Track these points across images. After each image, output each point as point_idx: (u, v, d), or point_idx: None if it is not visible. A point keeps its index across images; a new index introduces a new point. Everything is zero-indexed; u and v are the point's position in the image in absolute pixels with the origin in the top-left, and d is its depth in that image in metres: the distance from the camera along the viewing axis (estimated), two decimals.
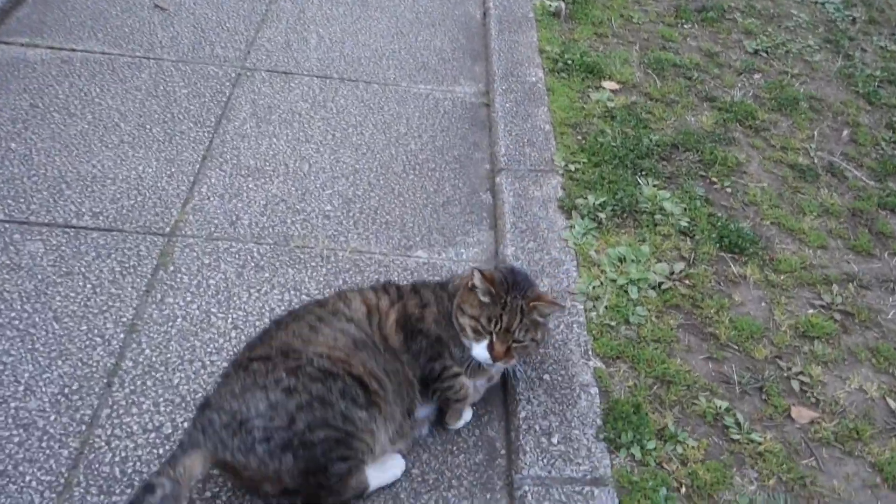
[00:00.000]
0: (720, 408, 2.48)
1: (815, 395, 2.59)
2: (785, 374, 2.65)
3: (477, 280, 2.25)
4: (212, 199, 3.07)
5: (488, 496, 2.21)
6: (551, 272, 2.86)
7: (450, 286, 2.43)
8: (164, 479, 1.89)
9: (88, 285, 2.61)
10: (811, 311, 2.91)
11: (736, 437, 2.41)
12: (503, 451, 2.34)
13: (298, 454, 1.96)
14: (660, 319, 2.77)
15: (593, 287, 2.81)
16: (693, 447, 2.35)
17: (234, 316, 2.58)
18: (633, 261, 2.95)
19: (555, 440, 2.30)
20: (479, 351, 2.23)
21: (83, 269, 2.66)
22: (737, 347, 2.72)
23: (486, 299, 2.24)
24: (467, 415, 2.39)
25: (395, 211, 3.15)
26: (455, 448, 2.32)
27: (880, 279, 3.10)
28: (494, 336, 2.21)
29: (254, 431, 1.94)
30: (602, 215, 3.13)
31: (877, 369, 2.72)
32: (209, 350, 2.45)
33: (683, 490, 2.25)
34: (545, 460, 2.24)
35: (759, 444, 2.40)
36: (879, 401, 2.61)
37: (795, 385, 2.61)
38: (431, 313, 2.33)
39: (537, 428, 2.33)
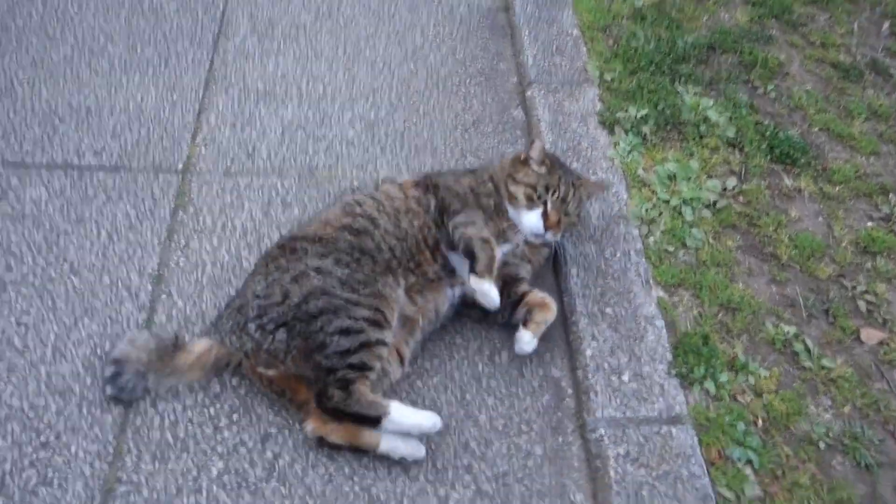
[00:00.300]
0: (788, 333, 2.37)
1: (882, 314, 2.48)
2: (850, 294, 2.53)
3: (537, 151, 2.29)
4: (223, 128, 2.79)
5: (560, 439, 2.10)
6: (600, 195, 2.66)
7: (489, 167, 2.42)
8: (170, 330, 2.07)
9: (103, 232, 2.38)
10: (870, 223, 2.77)
11: (807, 364, 2.31)
12: (570, 391, 2.22)
13: (294, 329, 1.89)
14: (717, 241, 2.61)
15: (646, 210, 2.64)
16: (765, 377, 2.25)
17: None
18: (683, 178, 2.76)
19: (625, 378, 2.18)
20: (531, 218, 2.24)
21: (95, 215, 2.42)
22: (798, 267, 2.59)
23: (541, 170, 2.28)
24: (493, 291, 2.08)
25: (424, 133, 2.91)
26: (520, 391, 2.19)
27: None
28: (550, 204, 2.24)
29: (247, 311, 1.92)
30: (646, 129, 2.92)
31: None
32: None
33: (760, 423, 2.16)
34: (618, 400, 2.12)
35: (831, 369, 2.30)
36: None
37: (862, 305, 2.50)
38: (451, 174, 2.34)
39: (606, 366, 2.20)
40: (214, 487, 1.87)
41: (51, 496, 1.81)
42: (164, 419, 1.97)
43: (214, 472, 1.89)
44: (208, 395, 2.03)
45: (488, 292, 2.08)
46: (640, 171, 2.77)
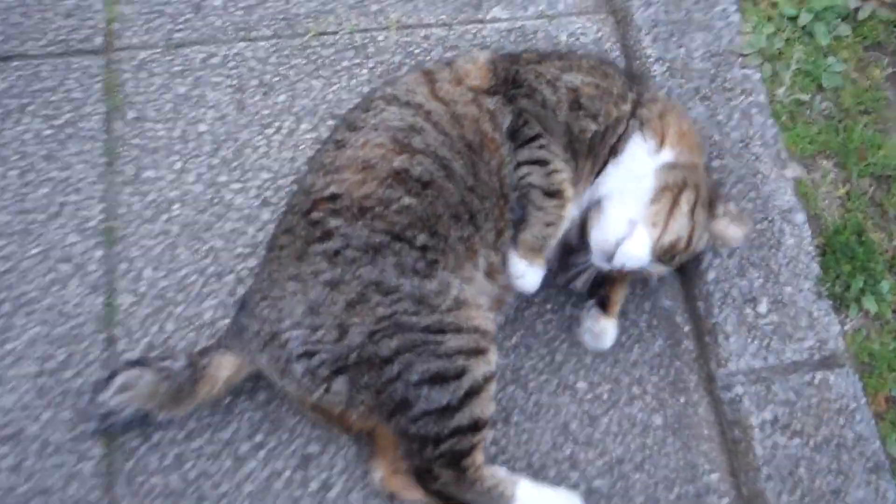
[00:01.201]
0: None
1: None
2: None
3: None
4: None
5: (682, 400, 1.63)
6: (702, 20, 1.89)
7: (644, 93, 1.59)
8: (181, 357, 1.41)
9: (12, 172, 1.65)
10: None
11: None
12: (688, 329, 1.69)
13: (360, 378, 1.31)
14: (862, 73, 1.91)
15: (767, 36, 1.88)
16: None
17: (257, 183, 1.69)
18: None
19: (762, 308, 1.64)
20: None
21: None
22: None
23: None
24: (533, 276, 1.45)
25: None
26: (624, 337, 1.66)
27: None
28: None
29: (289, 344, 1.32)
30: None
31: None
32: (241, 250, 1.62)
33: None
34: (757, 342, 1.61)
35: None
36: None
37: None
38: (557, 66, 1.53)
39: (735, 293, 1.65)
40: None
41: None
42: (164, 457, 1.45)
43: None
44: (217, 412, 1.49)
45: (524, 275, 1.45)
46: None
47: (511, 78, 1.50)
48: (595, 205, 1.50)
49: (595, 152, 1.48)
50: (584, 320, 1.59)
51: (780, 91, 1.83)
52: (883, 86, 1.91)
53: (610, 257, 1.45)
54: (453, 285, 1.36)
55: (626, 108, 1.49)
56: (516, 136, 1.46)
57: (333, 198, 1.39)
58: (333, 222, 1.36)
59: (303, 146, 1.73)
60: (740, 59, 1.85)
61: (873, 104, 1.87)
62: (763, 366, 1.60)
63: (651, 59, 1.84)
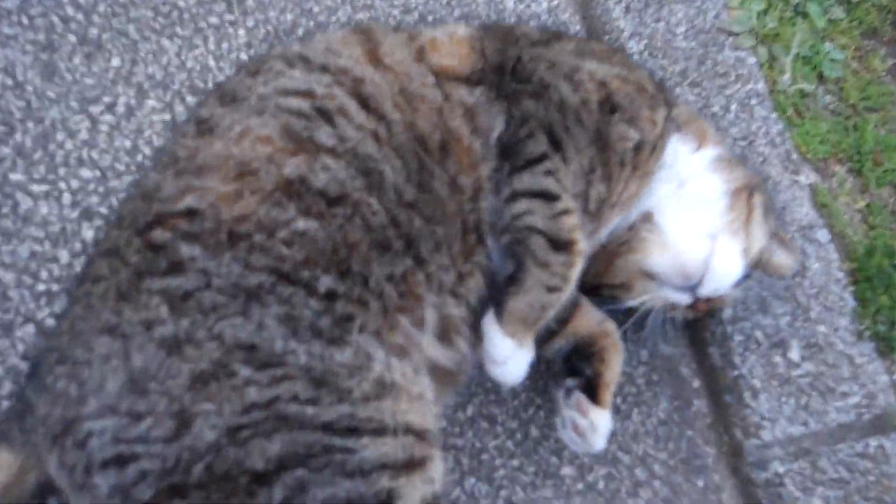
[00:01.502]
0: None
1: None
2: None
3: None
4: None
5: (701, 483, 1.18)
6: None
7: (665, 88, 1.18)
8: None
9: None
10: None
11: None
12: (697, 384, 1.25)
13: None
14: (863, 63, 1.60)
15: (758, 14, 1.52)
16: None
17: (75, 184, 1.10)
18: None
19: (794, 355, 1.23)
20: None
21: None
22: None
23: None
24: (516, 363, 0.96)
25: None
26: (621, 401, 1.19)
27: None
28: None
29: (90, 441, 0.78)
30: None
31: None
32: (46, 287, 1.03)
33: None
34: (791, 401, 1.20)
35: None
36: None
37: None
38: (570, 51, 1.08)
39: (758, 335, 1.23)
40: None
41: None
42: None
43: None
44: None
45: (507, 361, 0.95)
46: None
47: (511, 66, 1.03)
48: (640, 223, 1.06)
49: (643, 169, 1.04)
50: (561, 410, 1.06)
51: (784, 79, 1.46)
52: (884, 79, 1.60)
53: (697, 283, 1.03)
54: (376, 358, 0.84)
55: (664, 111, 1.06)
56: (513, 153, 0.98)
57: (190, 213, 0.85)
58: (187, 249, 0.82)
59: (148, 132, 1.16)
60: (730, 38, 1.48)
61: (879, 100, 1.55)
62: (804, 433, 1.18)
63: (626, 35, 1.43)
